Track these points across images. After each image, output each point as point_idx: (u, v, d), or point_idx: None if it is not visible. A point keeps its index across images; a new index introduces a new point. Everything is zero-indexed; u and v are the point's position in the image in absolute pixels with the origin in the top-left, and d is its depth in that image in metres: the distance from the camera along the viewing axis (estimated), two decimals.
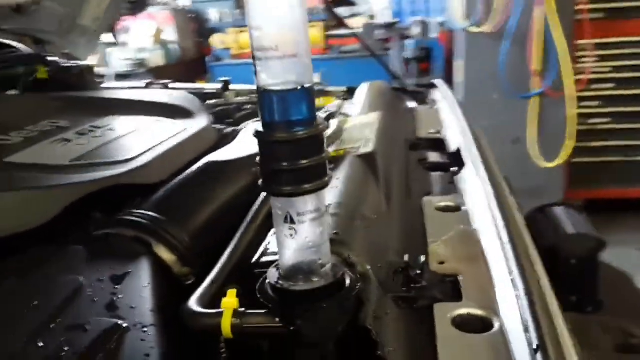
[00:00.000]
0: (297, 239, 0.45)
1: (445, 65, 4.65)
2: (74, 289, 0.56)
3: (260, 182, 0.45)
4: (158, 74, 4.27)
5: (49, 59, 1.85)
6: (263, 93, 0.42)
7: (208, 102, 1.51)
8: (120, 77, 4.09)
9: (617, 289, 1.59)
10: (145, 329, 0.50)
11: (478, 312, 0.50)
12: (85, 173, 0.82)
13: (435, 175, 0.93)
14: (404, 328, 0.50)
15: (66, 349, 0.46)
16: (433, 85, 1.70)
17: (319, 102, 1.65)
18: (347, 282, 0.47)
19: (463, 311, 0.51)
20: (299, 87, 0.41)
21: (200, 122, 1.17)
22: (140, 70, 4.17)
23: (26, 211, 0.72)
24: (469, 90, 3.96)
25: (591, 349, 1.20)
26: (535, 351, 0.40)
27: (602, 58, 3.90)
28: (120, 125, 1.10)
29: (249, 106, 1.51)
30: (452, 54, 4.40)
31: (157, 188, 0.90)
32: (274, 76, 0.40)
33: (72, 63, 1.88)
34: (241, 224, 0.70)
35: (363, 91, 1.34)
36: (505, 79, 3.79)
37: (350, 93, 1.64)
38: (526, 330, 0.43)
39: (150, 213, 0.70)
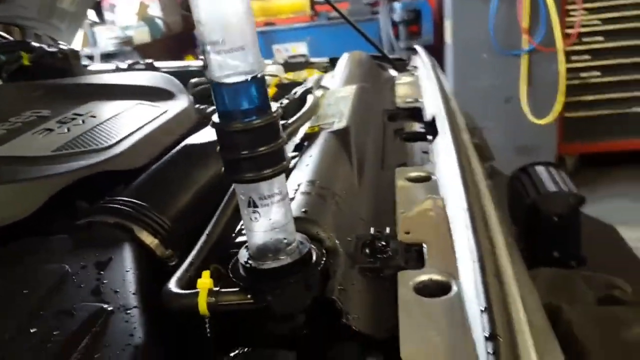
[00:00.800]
0: (261, 221, 0.48)
1: (435, 27, 4.62)
2: (60, 276, 0.59)
3: (222, 169, 0.47)
4: (144, 51, 4.25)
5: (34, 44, 1.84)
6: (215, 85, 0.44)
7: (191, 80, 1.53)
8: (107, 56, 4.07)
9: (602, 243, 1.64)
10: (129, 311, 0.53)
11: (438, 277, 0.54)
12: (68, 162, 0.85)
13: (412, 145, 0.95)
14: (369, 297, 0.54)
15: (55, 333, 0.50)
16: (415, 51, 1.71)
17: (302, 74, 1.66)
18: (313, 258, 0.50)
19: (425, 277, 0.54)
20: (249, 78, 0.43)
21: (180, 103, 1.18)
22: (127, 49, 4.14)
23: (11, 204, 0.74)
24: (458, 51, 3.95)
25: (574, 303, 1.25)
26: (482, 312, 0.43)
27: (591, 11, 3.87)
28: (102, 111, 1.11)
29: None
30: (441, 14, 4.37)
31: (140, 172, 0.92)
32: (224, 69, 0.42)
33: (56, 48, 1.88)
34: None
35: (342, 63, 1.35)
36: (495, 38, 3.78)
37: (333, 64, 1.65)
38: (479, 294, 0.46)
39: (131, 199, 0.73)
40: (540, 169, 1.44)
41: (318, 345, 0.50)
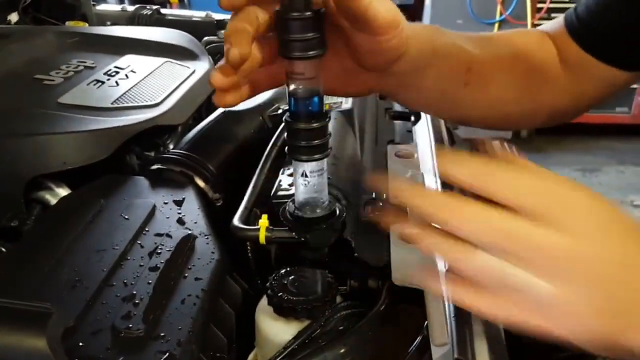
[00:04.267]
0: (308, 186, 0.72)
1: None
2: (150, 208, 0.82)
3: (286, 149, 0.71)
4: None
5: None
6: (290, 97, 0.67)
7: (204, 39, 1.70)
8: None
9: None
10: (207, 237, 0.77)
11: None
12: (128, 115, 1.05)
13: (398, 123, 1.20)
14: (371, 240, 0.79)
15: (160, 249, 0.74)
16: None
17: None
18: (337, 212, 0.75)
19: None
20: (315, 96, 0.66)
21: (203, 64, 1.38)
22: None
23: (93, 147, 0.95)
24: (435, 15, 4.15)
25: None
26: None
27: None
28: (138, 66, 1.29)
29: None
30: None
31: (177, 128, 1.14)
32: (299, 90, 0.65)
33: None
34: (253, 161, 0.97)
35: None
36: (471, 5, 3.99)
37: None
38: None
39: (188, 153, 0.95)
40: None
41: (336, 267, 0.76)
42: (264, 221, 0.75)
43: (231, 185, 0.96)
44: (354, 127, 1.03)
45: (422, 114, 1.14)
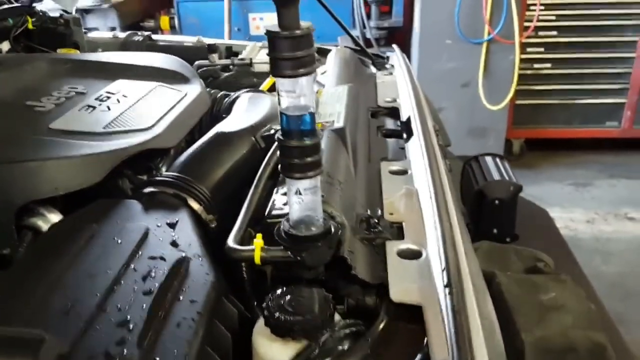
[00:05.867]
0: (302, 204, 0.71)
1: (405, 9, 4.82)
2: (143, 232, 0.81)
3: (280, 167, 0.71)
4: (121, 9, 4.31)
5: (38, 9, 1.98)
6: (282, 115, 0.67)
7: (196, 63, 1.71)
8: (83, 11, 4.10)
9: (534, 223, 1.95)
10: (201, 259, 0.76)
11: (413, 247, 0.79)
12: (119, 139, 1.05)
13: (390, 141, 1.20)
14: (366, 257, 0.79)
15: (153, 273, 0.72)
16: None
17: None
18: (332, 229, 0.75)
19: (404, 246, 0.79)
20: (306, 113, 0.66)
21: (195, 87, 1.38)
22: (104, 5, 4.18)
23: (85, 172, 0.94)
24: (424, 35, 4.20)
25: (505, 270, 1.55)
26: (442, 270, 0.69)
27: (548, 6, 4.18)
28: (130, 91, 1.29)
29: (231, 67, 1.73)
30: None
31: (169, 150, 1.14)
32: (290, 107, 0.65)
33: (59, 14, 2.02)
34: (245, 183, 0.96)
35: (331, 59, 1.57)
36: (459, 25, 4.04)
37: (320, 53, 1.85)
38: (440, 258, 0.72)
39: (181, 175, 0.95)
40: (489, 159, 1.72)
41: (332, 286, 0.75)
42: (258, 241, 0.74)
43: (225, 207, 0.96)
44: (346, 145, 1.03)
45: (414, 131, 1.14)
